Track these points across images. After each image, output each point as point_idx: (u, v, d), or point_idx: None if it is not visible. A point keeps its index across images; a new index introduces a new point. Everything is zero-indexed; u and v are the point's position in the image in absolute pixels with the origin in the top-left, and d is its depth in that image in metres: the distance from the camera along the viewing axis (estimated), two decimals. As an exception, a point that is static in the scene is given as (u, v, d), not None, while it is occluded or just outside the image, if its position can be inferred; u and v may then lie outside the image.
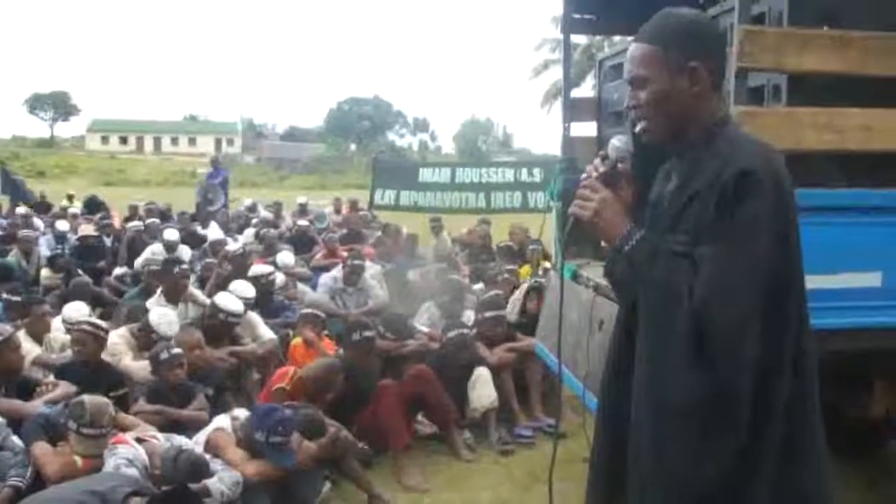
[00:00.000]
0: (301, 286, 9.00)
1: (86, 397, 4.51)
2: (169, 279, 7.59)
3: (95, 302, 8.65)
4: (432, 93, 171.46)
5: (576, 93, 6.33)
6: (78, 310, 6.64)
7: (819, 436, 2.17)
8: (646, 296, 2.13)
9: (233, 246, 9.82)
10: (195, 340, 5.92)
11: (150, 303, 7.32)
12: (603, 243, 2.34)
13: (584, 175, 2.24)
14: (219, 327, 6.50)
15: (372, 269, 9.18)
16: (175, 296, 7.42)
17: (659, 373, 2.10)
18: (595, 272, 4.32)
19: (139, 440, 4.42)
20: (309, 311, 6.86)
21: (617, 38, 9.05)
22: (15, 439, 4.53)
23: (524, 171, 15.70)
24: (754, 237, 1.98)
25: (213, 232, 12.33)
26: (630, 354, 2.26)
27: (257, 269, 8.32)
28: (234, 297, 6.72)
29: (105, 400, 4.57)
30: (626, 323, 2.33)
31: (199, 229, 13.65)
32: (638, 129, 2.25)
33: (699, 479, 2.04)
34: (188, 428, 5.06)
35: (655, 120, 2.19)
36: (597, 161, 2.25)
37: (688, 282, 1.99)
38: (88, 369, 5.50)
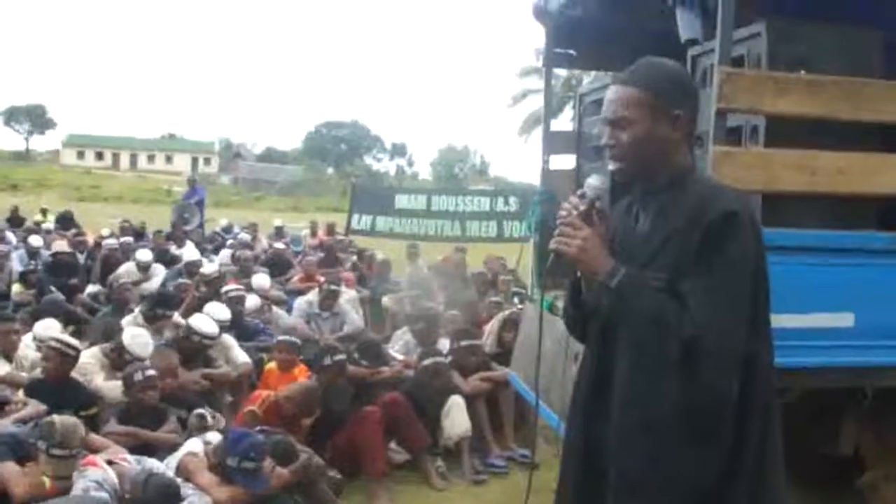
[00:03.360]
0: (276, 310, 8.97)
1: (56, 417, 4.42)
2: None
3: (67, 319, 8.54)
4: (410, 118, 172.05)
5: (554, 124, 6.39)
6: (49, 327, 6.54)
7: (779, 451, 2.34)
8: (634, 327, 2.21)
9: (209, 268, 9.75)
10: (172, 364, 5.87)
11: (124, 322, 7.27)
12: (580, 276, 2.40)
13: (562, 212, 2.30)
14: (193, 349, 6.46)
15: (347, 295, 9.17)
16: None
17: (649, 390, 2.21)
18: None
19: (110, 462, 4.37)
20: (285, 338, 6.82)
21: (595, 72, 9.13)
22: None
23: (500, 200, 15.74)
24: (740, 271, 2.15)
25: (189, 252, 12.26)
26: (603, 381, 2.36)
27: (226, 287, 8.33)
28: (209, 320, 6.69)
29: (75, 420, 4.49)
30: (597, 351, 2.42)
31: (174, 249, 13.57)
32: (611, 168, 2.35)
33: (695, 485, 2.20)
34: (159, 450, 5.01)
35: (632, 161, 2.30)
36: (575, 199, 2.32)
37: (676, 313, 2.11)
38: (58, 388, 5.43)
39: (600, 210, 2.33)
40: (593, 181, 2.34)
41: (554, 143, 5.84)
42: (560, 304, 4.64)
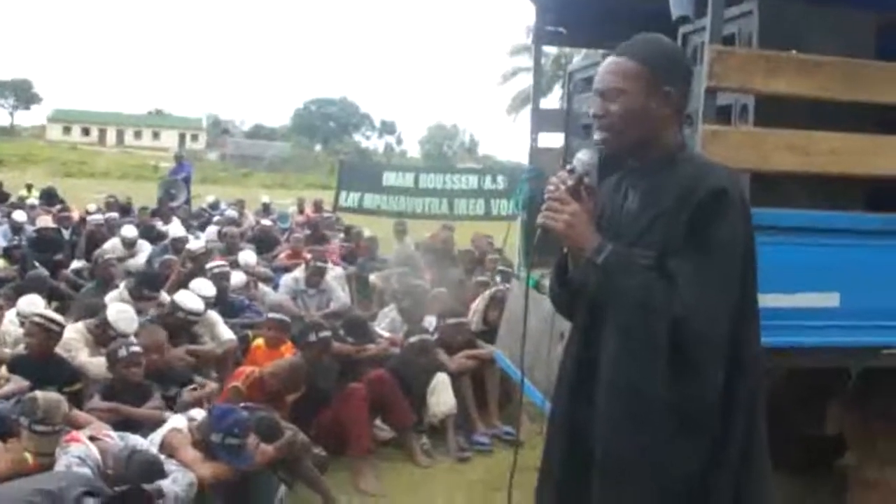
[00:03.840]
0: (262, 286, 8.93)
1: (39, 393, 4.40)
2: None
3: (52, 295, 8.50)
4: (400, 96, 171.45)
5: (544, 103, 6.36)
6: (33, 303, 6.48)
7: (764, 439, 2.31)
8: (621, 305, 2.18)
9: (195, 244, 9.70)
10: (159, 341, 5.81)
11: (108, 298, 7.22)
12: (566, 251, 2.38)
13: (550, 187, 2.27)
14: (178, 325, 6.43)
15: (334, 272, 9.14)
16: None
17: (638, 376, 2.18)
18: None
19: (92, 438, 4.32)
20: (275, 315, 6.77)
21: (585, 50, 9.07)
22: None
23: (488, 178, 15.81)
24: (730, 252, 2.13)
25: (175, 228, 12.19)
26: (589, 361, 2.33)
27: (211, 263, 8.29)
28: (194, 296, 6.66)
29: (59, 396, 4.47)
30: (584, 330, 2.39)
31: (160, 225, 13.48)
32: (596, 138, 2.32)
33: (683, 472, 2.17)
34: (143, 426, 4.97)
35: (619, 133, 2.27)
36: (563, 174, 2.29)
37: (664, 292, 2.08)
38: (42, 364, 5.40)
39: (589, 185, 2.29)
40: (582, 156, 2.31)
41: (543, 120, 5.81)
42: (546, 282, 4.66)
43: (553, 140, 5.87)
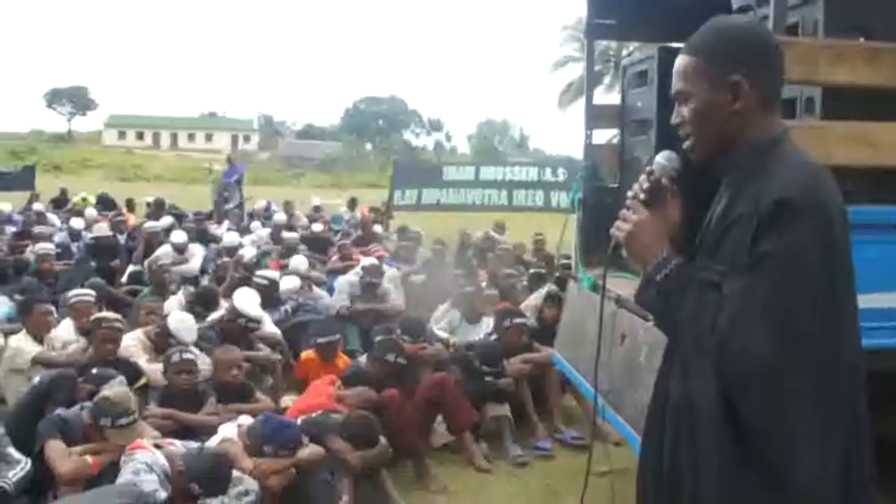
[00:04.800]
0: (316, 290, 8.93)
1: (108, 392, 4.57)
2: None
3: (109, 302, 8.60)
4: (448, 92, 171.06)
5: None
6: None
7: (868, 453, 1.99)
8: (676, 329, 2.00)
9: (248, 252, 9.79)
10: (236, 357, 5.83)
11: (167, 306, 7.29)
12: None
13: (629, 192, 2.12)
14: (237, 331, 6.47)
15: (389, 273, 9.10)
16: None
17: (694, 403, 1.97)
18: (617, 284, 4.22)
19: (157, 447, 4.41)
20: (323, 340, 6.70)
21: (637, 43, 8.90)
22: (11, 451, 4.48)
23: (548, 170, 15.92)
24: (787, 268, 1.80)
25: (228, 235, 12.33)
26: (667, 384, 2.13)
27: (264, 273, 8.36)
28: (254, 303, 6.68)
29: (125, 389, 4.74)
30: (666, 350, 2.18)
31: (214, 228, 13.63)
32: (685, 146, 2.11)
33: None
34: (199, 433, 5.02)
35: (697, 138, 2.06)
36: (641, 178, 2.11)
37: (712, 316, 1.85)
38: (108, 367, 5.46)
39: (670, 190, 2.11)
40: (662, 158, 2.12)
41: (597, 116, 5.69)
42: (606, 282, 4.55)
43: (609, 136, 5.78)
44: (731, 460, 1.87)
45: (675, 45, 4.52)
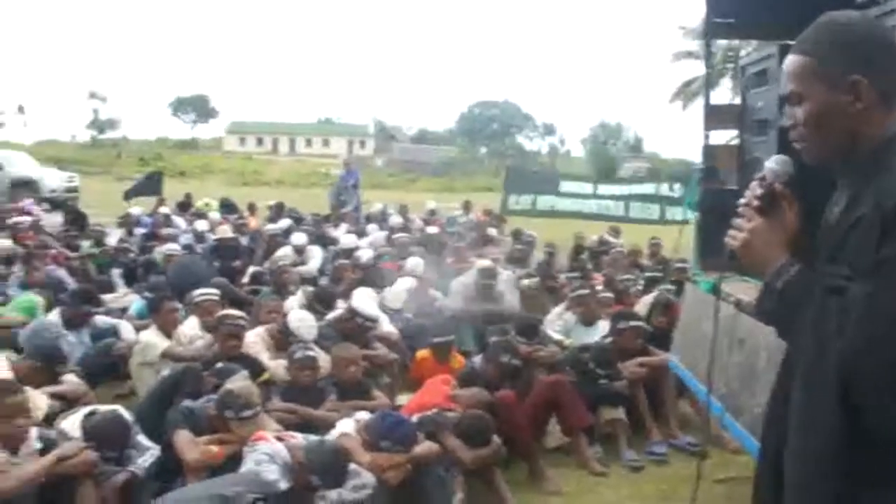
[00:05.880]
0: (432, 291, 9.04)
1: (231, 385, 4.77)
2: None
3: (232, 301, 8.91)
4: (561, 96, 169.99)
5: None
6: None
7: None
8: (797, 337, 1.90)
9: (365, 253, 9.98)
10: (354, 355, 5.97)
11: (288, 305, 7.50)
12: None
13: (742, 200, 2.06)
14: (355, 330, 6.61)
15: (504, 275, 9.13)
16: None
17: (807, 419, 1.86)
18: (737, 287, 4.15)
19: (279, 439, 4.56)
20: (439, 340, 6.79)
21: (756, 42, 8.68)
22: (141, 438, 4.76)
23: (664, 186, 15.95)
24: None
25: (346, 237, 12.59)
26: (785, 394, 2.02)
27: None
28: (371, 302, 6.82)
29: (249, 382, 4.92)
30: (784, 359, 2.11)
31: (332, 230, 13.95)
32: (799, 148, 2.02)
33: None
34: (319, 428, 5.16)
35: (814, 140, 1.96)
36: (754, 184, 2.04)
37: (837, 325, 1.74)
38: (236, 362, 5.70)
39: (785, 195, 2.03)
40: (773, 164, 2.06)
41: (716, 117, 5.60)
42: (725, 287, 4.48)
43: (728, 137, 5.66)
44: (847, 476, 1.77)
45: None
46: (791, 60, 1.99)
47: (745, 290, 4.11)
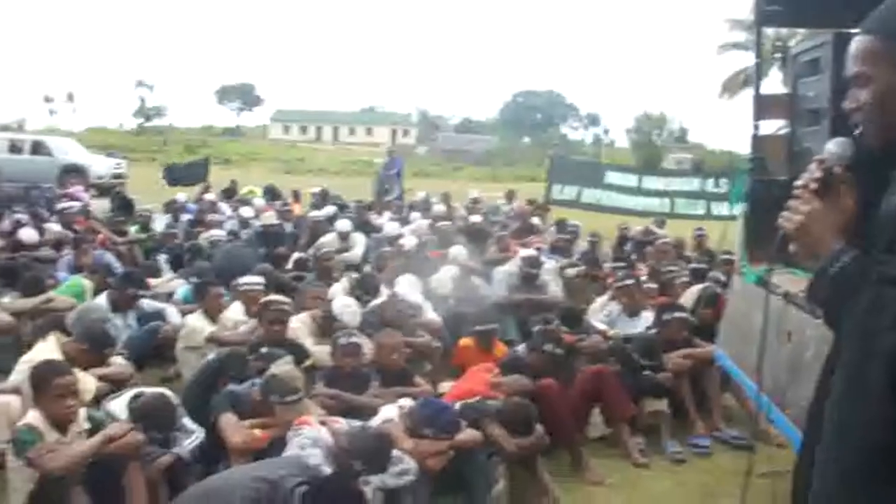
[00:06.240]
0: (475, 280, 9.03)
1: (276, 370, 4.81)
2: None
3: (277, 287, 8.98)
4: (605, 85, 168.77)
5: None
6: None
7: None
8: (849, 325, 1.79)
9: (409, 241, 10.01)
10: (397, 342, 5.99)
11: (332, 291, 7.54)
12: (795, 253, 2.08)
13: (798, 182, 2.01)
14: (398, 317, 6.63)
15: (548, 265, 9.10)
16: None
17: (845, 416, 1.76)
18: (786, 279, 4.09)
19: (323, 423, 4.59)
20: (482, 328, 6.78)
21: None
22: (186, 421, 4.82)
23: (710, 181, 16.03)
24: None
25: (389, 224, 12.63)
26: (826, 388, 1.93)
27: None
28: (414, 290, 6.83)
29: (292, 367, 4.96)
30: (831, 350, 2.06)
31: (375, 218, 14.00)
32: (858, 132, 1.97)
33: None
34: (361, 413, 5.17)
35: (877, 122, 1.90)
36: (812, 166, 1.99)
37: (892, 318, 1.64)
38: (280, 347, 5.72)
39: (844, 179, 1.98)
40: (833, 147, 2.01)
41: (765, 106, 5.51)
42: (774, 279, 4.41)
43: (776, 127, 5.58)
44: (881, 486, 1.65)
45: (850, 30, 4.34)
46: (858, 41, 1.92)
47: (794, 282, 4.06)
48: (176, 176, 19.80)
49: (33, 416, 4.28)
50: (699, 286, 7.98)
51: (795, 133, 5.18)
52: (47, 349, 5.50)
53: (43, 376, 4.37)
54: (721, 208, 15.11)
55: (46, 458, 4.00)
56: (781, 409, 3.88)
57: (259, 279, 7.47)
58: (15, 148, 26.28)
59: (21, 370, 5.16)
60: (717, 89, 40.49)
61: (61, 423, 4.31)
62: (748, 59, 35.67)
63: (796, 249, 1.98)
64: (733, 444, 6.05)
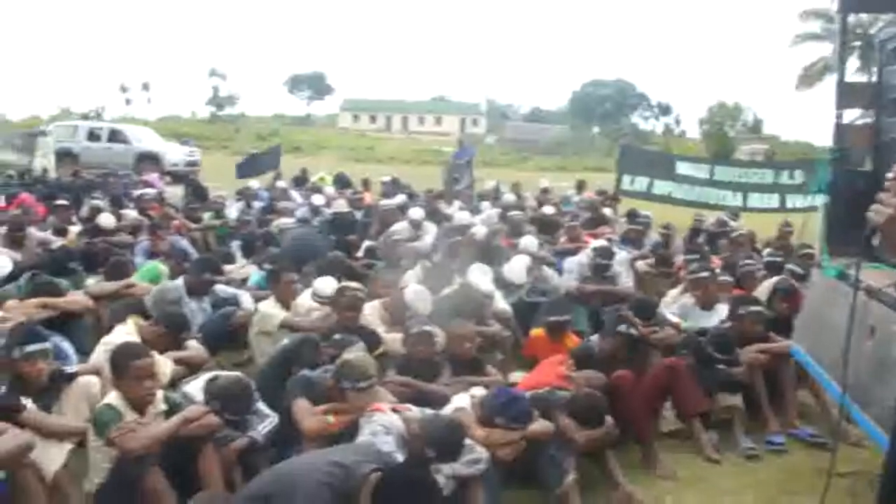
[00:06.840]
0: (546, 270, 8.99)
1: (349, 356, 4.86)
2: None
3: (348, 274, 9.04)
4: (678, 74, 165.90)
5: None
6: (329, 285, 6.95)
7: None
8: None
9: (479, 230, 10.02)
10: (469, 333, 6.01)
11: (406, 278, 7.59)
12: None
13: (888, 175, 1.97)
14: (470, 306, 6.62)
15: (620, 256, 9.02)
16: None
17: None
18: (868, 274, 3.98)
19: (395, 410, 4.63)
20: (554, 318, 6.76)
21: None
22: (260, 405, 4.91)
23: (784, 173, 15.79)
24: None
25: (459, 213, 12.64)
26: None
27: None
28: (486, 278, 6.82)
29: (365, 353, 5.04)
30: None
31: (444, 207, 14.02)
32: None
33: None
34: (432, 402, 5.19)
35: None
36: None
37: None
38: (353, 333, 5.76)
39: None
40: None
41: (848, 95, 5.36)
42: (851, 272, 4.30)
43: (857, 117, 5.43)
44: None
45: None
46: None
47: (877, 276, 3.96)
48: (245, 172, 20.07)
49: (113, 397, 4.42)
50: (774, 279, 7.82)
51: (881, 123, 5.05)
52: (126, 332, 5.67)
53: (122, 358, 4.49)
54: (796, 200, 14.89)
55: (126, 438, 4.12)
56: (863, 407, 3.78)
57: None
58: (93, 136, 27.06)
59: (101, 352, 5.34)
60: (792, 80, 39.67)
61: (140, 405, 4.43)
62: (823, 50, 34.82)
63: (883, 242, 1.94)
64: (809, 442, 5.91)
